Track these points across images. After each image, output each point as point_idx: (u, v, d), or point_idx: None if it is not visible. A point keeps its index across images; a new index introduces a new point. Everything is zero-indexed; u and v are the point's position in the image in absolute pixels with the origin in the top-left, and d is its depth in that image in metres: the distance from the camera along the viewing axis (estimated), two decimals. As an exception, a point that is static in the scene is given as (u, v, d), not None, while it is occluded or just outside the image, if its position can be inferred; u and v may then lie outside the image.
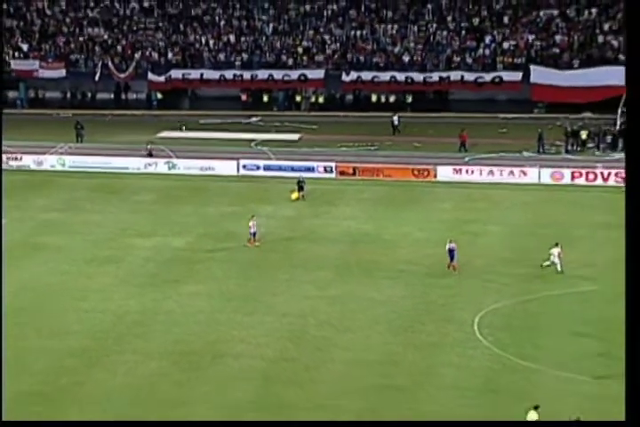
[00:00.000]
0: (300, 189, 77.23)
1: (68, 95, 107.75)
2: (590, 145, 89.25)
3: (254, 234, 68.00)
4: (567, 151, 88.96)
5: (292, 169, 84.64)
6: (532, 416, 44.28)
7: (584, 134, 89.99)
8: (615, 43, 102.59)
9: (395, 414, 46.75)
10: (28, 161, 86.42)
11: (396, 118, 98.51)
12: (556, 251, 63.58)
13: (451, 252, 63.93)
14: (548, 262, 62.75)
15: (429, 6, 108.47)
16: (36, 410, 47.83)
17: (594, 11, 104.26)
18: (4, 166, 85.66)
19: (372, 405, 47.88)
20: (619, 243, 68.75)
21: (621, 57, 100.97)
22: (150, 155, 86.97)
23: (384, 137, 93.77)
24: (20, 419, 46.78)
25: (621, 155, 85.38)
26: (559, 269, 62.81)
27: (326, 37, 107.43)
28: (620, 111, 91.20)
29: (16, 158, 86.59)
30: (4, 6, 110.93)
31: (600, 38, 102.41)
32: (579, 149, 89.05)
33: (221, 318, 57.57)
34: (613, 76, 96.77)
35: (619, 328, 53.62)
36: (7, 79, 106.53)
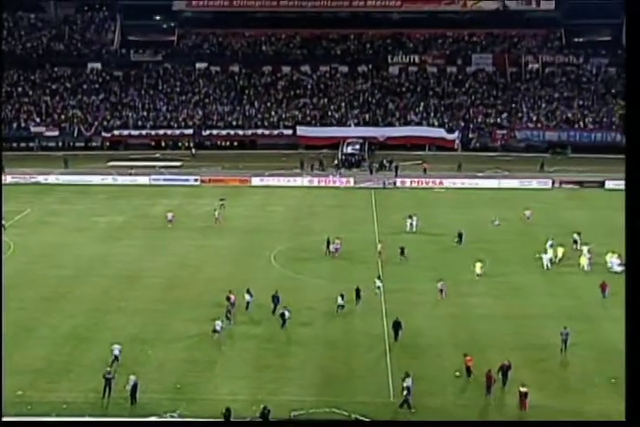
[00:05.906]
0: (222, 200, 71.21)
1: (60, 144, 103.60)
2: (329, 167, 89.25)
3: (170, 220, 65.14)
4: (317, 169, 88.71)
5: (178, 180, 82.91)
6: (339, 301, 44.87)
7: (325, 161, 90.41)
8: (336, 115, 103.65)
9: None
10: (40, 178, 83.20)
11: (194, 151, 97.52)
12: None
13: (218, 217, 64.30)
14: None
15: (245, 96, 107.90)
16: (44, 306, 46.82)
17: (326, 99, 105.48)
18: (25, 182, 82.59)
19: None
20: (339, 215, 69.85)
21: (346, 121, 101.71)
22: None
23: (215, 162, 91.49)
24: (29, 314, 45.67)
25: (342, 171, 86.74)
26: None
27: (194, 113, 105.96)
28: (339, 149, 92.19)
29: (33, 177, 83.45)
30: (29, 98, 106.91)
31: (330, 113, 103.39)
32: (322, 168, 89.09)
33: (142, 258, 56.87)
34: (338, 131, 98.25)
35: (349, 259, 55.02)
36: (29, 137, 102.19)
